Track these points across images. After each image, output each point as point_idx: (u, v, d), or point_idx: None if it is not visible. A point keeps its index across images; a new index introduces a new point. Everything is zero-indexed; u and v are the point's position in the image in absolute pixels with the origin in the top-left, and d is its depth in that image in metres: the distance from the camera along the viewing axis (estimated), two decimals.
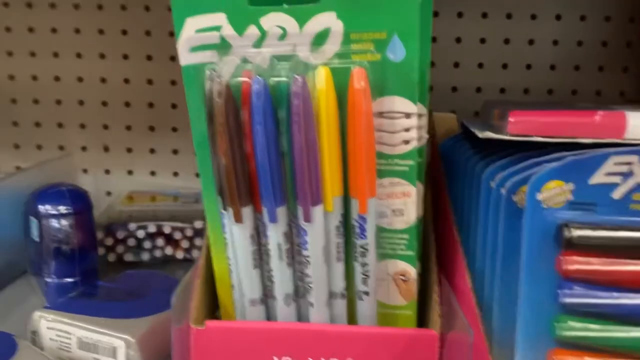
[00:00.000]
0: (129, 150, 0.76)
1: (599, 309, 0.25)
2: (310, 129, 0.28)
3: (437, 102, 0.70)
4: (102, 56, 0.74)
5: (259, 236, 0.31)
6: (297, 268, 0.32)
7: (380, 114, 0.29)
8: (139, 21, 0.72)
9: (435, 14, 0.70)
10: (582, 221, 0.26)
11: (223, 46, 0.29)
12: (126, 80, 0.74)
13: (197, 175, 0.74)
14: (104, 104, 0.75)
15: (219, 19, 0.28)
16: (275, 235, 0.30)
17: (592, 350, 0.26)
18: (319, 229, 0.30)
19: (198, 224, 0.60)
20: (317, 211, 0.29)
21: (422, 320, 0.35)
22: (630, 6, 0.70)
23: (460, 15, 0.71)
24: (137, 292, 0.43)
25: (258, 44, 0.29)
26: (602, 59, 0.72)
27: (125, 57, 0.74)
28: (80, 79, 0.75)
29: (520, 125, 0.29)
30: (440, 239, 0.36)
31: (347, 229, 0.31)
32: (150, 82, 0.74)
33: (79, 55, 0.74)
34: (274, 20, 0.28)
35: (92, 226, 0.50)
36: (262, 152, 0.28)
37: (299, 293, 0.32)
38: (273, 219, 0.30)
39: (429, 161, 0.46)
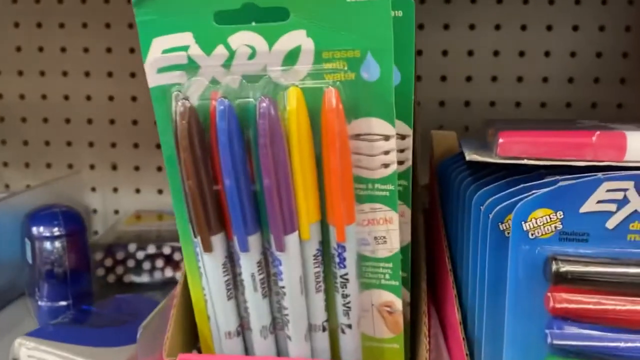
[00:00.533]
0: (137, 168, 0.76)
1: (592, 350, 0.23)
2: (280, 151, 0.26)
3: (424, 118, 0.68)
4: (110, 74, 0.74)
5: (232, 265, 0.30)
6: (274, 299, 0.30)
7: (357, 136, 0.27)
8: None
9: (421, 27, 0.68)
10: (573, 254, 0.23)
11: (191, 67, 0.28)
12: (133, 98, 0.74)
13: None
14: (112, 122, 0.75)
15: (186, 38, 0.27)
16: (248, 265, 0.29)
17: None
18: (295, 258, 0.28)
19: None
20: (292, 239, 0.28)
21: (413, 353, 0.32)
22: None
23: (446, 27, 0.69)
24: (123, 319, 0.42)
25: (227, 63, 0.27)
26: (622, 71, 0.69)
27: (133, 75, 0.74)
28: (88, 98, 0.75)
29: (510, 146, 0.27)
30: (432, 265, 0.34)
31: (327, 257, 0.29)
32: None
33: (87, 74, 0.74)
34: (243, 39, 0.27)
35: (86, 248, 0.49)
36: (229, 176, 0.26)
37: (277, 325, 0.31)
38: (244, 248, 0.28)
39: (428, 182, 0.44)
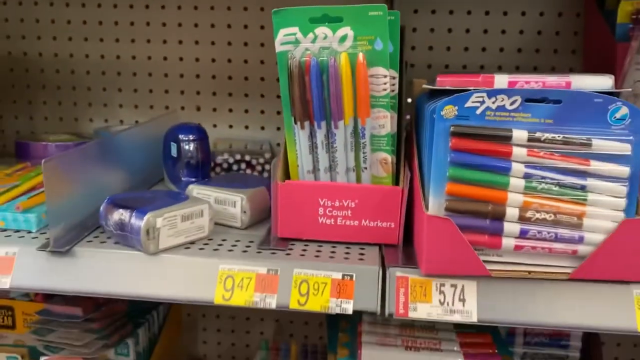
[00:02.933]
0: (214, 109, 1.09)
1: (464, 161, 0.56)
2: (337, 83, 0.59)
3: (417, 74, 1.00)
4: (197, 42, 1.06)
5: (312, 137, 0.63)
6: (331, 154, 0.63)
7: (372, 76, 0.60)
8: (224, 17, 1.04)
9: (415, 11, 1.00)
10: (461, 124, 0.56)
11: (296, 43, 0.61)
12: (213, 60, 1.06)
13: (262, 128, 1.06)
14: (197, 76, 1.08)
15: (295, 29, 0.60)
16: (320, 136, 0.62)
17: (465, 183, 0.56)
18: (341, 133, 0.62)
19: (267, 156, 0.92)
20: (340, 124, 0.61)
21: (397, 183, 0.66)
22: (578, 3, 0.97)
23: (433, 12, 1.00)
24: (238, 180, 0.75)
25: (313, 41, 0.60)
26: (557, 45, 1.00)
27: (213, 43, 1.05)
28: (181, 59, 1.07)
29: (441, 81, 0.60)
30: (412, 146, 0.68)
31: (356, 134, 0.63)
32: (229, 61, 1.06)
33: (180, 42, 1.06)
34: (321, 30, 0.60)
35: (209, 149, 0.83)
36: (316, 94, 0.59)
37: (332, 167, 0.64)
38: (319, 127, 0.61)
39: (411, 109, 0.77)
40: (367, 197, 0.63)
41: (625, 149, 0.55)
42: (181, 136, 0.81)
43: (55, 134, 0.96)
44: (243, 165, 0.92)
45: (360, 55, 0.59)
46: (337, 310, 0.58)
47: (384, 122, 0.62)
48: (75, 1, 1.06)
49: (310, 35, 0.60)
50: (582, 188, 0.56)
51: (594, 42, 0.91)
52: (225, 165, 0.92)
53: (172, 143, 0.82)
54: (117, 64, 1.08)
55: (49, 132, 1.10)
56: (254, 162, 0.92)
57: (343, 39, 0.60)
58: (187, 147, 0.81)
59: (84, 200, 0.68)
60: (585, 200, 0.56)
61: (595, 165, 0.56)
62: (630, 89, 0.56)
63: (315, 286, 0.59)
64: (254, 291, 0.59)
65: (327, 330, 0.84)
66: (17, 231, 0.66)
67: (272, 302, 0.59)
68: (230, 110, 1.09)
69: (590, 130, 0.56)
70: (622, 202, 0.56)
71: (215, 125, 1.10)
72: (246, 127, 1.09)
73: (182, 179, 0.82)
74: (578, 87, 0.57)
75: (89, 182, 0.70)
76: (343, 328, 0.79)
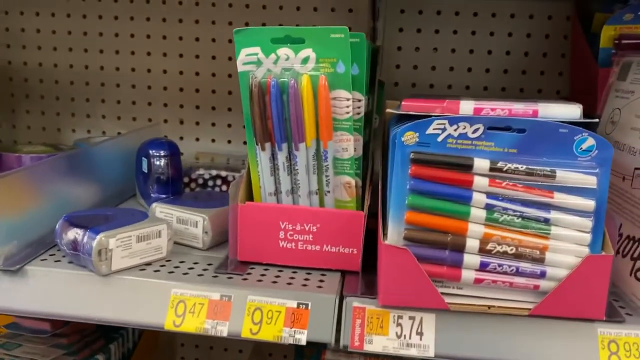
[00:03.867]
0: (197, 123, 1.08)
1: (424, 189, 0.54)
2: (297, 105, 0.58)
3: (400, 93, 0.98)
4: (181, 55, 1.05)
5: (273, 158, 0.61)
6: (292, 176, 0.62)
7: (334, 99, 0.59)
8: (208, 31, 1.03)
9: (400, 30, 0.98)
10: (421, 151, 0.54)
11: (258, 63, 0.59)
12: (196, 74, 1.06)
13: (245, 143, 1.05)
14: (181, 89, 1.07)
15: (257, 49, 0.59)
16: (281, 158, 0.60)
17: (425, 212, 0.54)
18: (303, 155, 0.60)
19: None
20: (302, 146, 0.59)
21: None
22: (564, 25, 0.96)
23: (419, 30, 0.99)
24: (205, 199, 0.74)
25: (275, 62, 0.59)
26: (544, 67, 0.98)
27: (197, 57, 1.05)
28: (165, 72, 1.06)
29: (406, 107, 0.58)
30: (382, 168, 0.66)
31: (318, 157, 0.61)
32: (213, 75, 1.05)
33: (164, 55, 1.06)
34: (283, 51, 0.58)
35: (180, 164, 0.81)
36: (275, 115, 0.58)
37: (294, 190, 0.62)
38: (280, 149, 0.60)
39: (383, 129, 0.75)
40: (328, 222, 0.62)
41: (590, 181, 0.53)
42: (152, 151, 0.80)
43: (32, 144, 0.95)
44: (219, 182, 0.91)
45: (322, 78, 0.58)
46: (290, 341, 0.56)
47: (347, 145, 0.61)
48: (61, 11, 1.05)
49: (273, 55, 0.59)
50: (546, 221, 0.54)
51: (579, 66, 0.89)
52: (200, 181, 0.90)
53: (143, 158, 0.81)
54: (101, 75, 1.08)
55: (31, 142, 1.09)
56: (230, 178, 0.91)
57: (305, 60, 0.58)
58: (157, 162, 0.80)
59: (46, 215, 0.67)
60: (549, 233, 0.54)
61: (560, 198, 0.54)
62: (597, 120, 0.54)
63: (269, 314, 0.57)
64: (206, 317, 0.57)
65: (294, 358, 0.82)
66: None
67: (223, 330, 0.57)
68: (213, 124, 1.08)
69: (556, 161, 0.54)
70: (587, 236, 0.54)
71: (197, 139, 1.09)
72: (229, 142, 1.08)
73: (152, 195, 0.80)
74: (545, 115, 0.55)
75: (52, 197, 0.68)
76: (307, 355, 0.77)
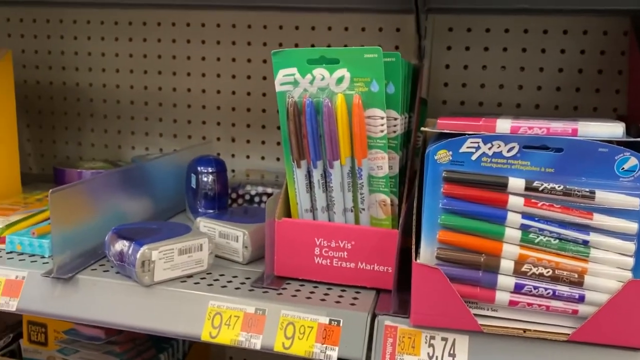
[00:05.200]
0: (248, 141, 1.11)
1: (457, 208, 0.53)
2: (332, 124, 0.59)
3: (447, 111, 0.97)
4: (234, 77, 1.09)
5: (309, 176, 0.63)
6: (327, 193, 0.63)
7: (368, 117, 0.59)
8: (259, 52, 1.06)
9: (449, 48, 0.98)
10: (454, 170, 0.53)
11: (295, 83, 0.61)
12: (248, 93, 1.09)
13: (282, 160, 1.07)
14: (233, 109, 1.10)
15: (294, 70, 0.60)
16: (316, 175, 0.62)
17: (458, 231, 0.54)
18: (337, 173, 0.61)
19: None
20: (336, 164, 0.60)
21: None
22: (622, 41, 0.92)
23: (467, 48, 0.98)
24: (248, 214, 0.76)
25: (311, 82, 0.60)
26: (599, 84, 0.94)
27: (249, 77, 1.08)
28: (218, 92, 1.11)
29: (442, 125, 0.58)
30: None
31: (353, 174, 0.62)
32: (264, 94, 1.08)
33: (218, 76, 1.10)
34: (319, 71, 0.60)
35: (226, 181, 0.84)
36: (310, 134, 0.59)
37: (329, 207, 0.63)
38: (315, 167, 0.61)
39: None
40: (363, 239, 0.62)
41: (633, 203, 0.51)
42: (200, 168, 0.83)
43: (94, 161, 1.01)
44: (265, 198, 0.93)
45: (356, 97, 0.58)
46: (322, 357, 0.56)
47: (382, 163, 0.61)
48: (123, 36, 1.12)
49: (309, 76, 0.60)
50: (585, 243, 0.52)
51: (638, 82, 0.85)
52: (247, 197, 0.93)
53: (192, 174, 0.84)
54: (159, 95, 1.13)
55: (94, 158, 1.16)
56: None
57: (340, 80, 0.59)
58: (204, 179, 0.83)
59: (99, 227, 0.71)
60: (588, 256, 0.52)
61: (599, 220, 0.52)
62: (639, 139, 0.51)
63: (302, 329, 0.58)
64: (240, 330, 0.59)
65: None
66: (32, 255, 0.70)
67: (257, 343, 0.58)
68: (263, 142, 1.11)
69: (595, 181, 0.52)
70: (630, 260, 0.51)
71: (248, 157, 1.12)
72: (277, 159, 1.10)
73: (199, 209, 0.83)
74: (585, 134, 0.54)
75: (107, 210, 0.72)
76: None
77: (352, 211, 0.63)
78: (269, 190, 0.93)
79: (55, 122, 1.19)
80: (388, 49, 0.87)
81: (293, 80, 0.61)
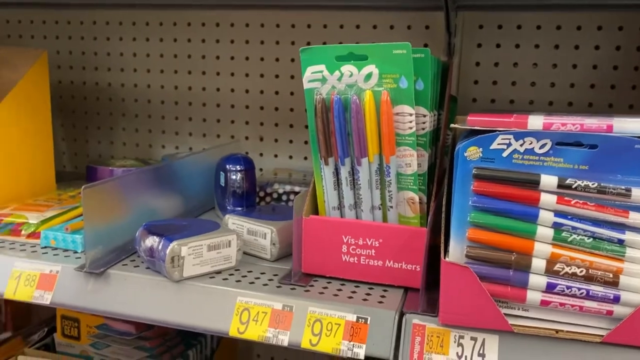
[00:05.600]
0: (276, 140, 1.11)
1: (488, 206, 0.52)
2: (360, 121, 0.58)
3: (478, 109, 0.96)
4: (262, 76, 1.10)
5: (336, 173, 0.62)
6: (355, 191, 0.62)
7: (397, 114, 0.59)
8: (287, 52, 1.07)
9: (479, 45, 0.97)
10: (484, 167, 0.53)
11: (323, 80, 0.61)
12: (276, 92, 1.09)
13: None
14: (261, 108, 1.11)
15: (322, 67, 0.60)
16: (344, 173, 0.61)
17: (489, 229, 0.53)
18: (365, 170, 0.60)
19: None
20: (364, 161, 0.60)
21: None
22: None
23: (498, 46, 0.96)
24: (275, 212, 0.76)
25: (339, 79, 0.60)
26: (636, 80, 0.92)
27: (277, 76, 1.09)
28: (247, 91, 1.11)
29: (472, 122, 0.57)
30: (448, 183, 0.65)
31: (381, 172, 0.61)
32: (292, 93, 1.08)
33: (247, 75, 1.11)
34: (347, 68, 0.59)
35: (254, 179, 0.85)
36: (338, 131, 0.59)
37: (357, 204, 0.63)
38: (342, 164, 0.61)
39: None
40: (391, 237, 0.61)
41: None
42: (228, 166, 0.84)
43: (125, 159, 1.03)
44: (293, 196, 0.93)
45: (384, 93, 0.58)
46: (349, 354, 0.56)
47: (410, 160, 0.61)
48: (154, 36, 1.14)
49: (337, 73, 0.60)
50: (620, 242, 0.51)
51: None
52: (275, 195, 0.93)
53: (220, 172, 0.85)
54: (189, 94, 1.15)
55: (125, 157, 1.18)
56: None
57: (368, 76, 0.59)
58: (233, 176, 0.83)
59: (130, 224, 0.72)
60: (623, 255, 0.50)
61: (636, 218, 0.50)
62: None
63: (329, 326, 0.58)
64: (268, 326, 0.59)
65: None
66: (66, 250, 0.71)
67: (284, 339, 0.58)
68: (291, 142, 1.11)
69: (631, 179, 0.51)
70: None
71: (276, 155, 1.12)
72: (305, 158, 1.10)
73: (228, 207, 0.84)
74: (621, 130, 0.52)
75: (137, 207, 0.74)
76: None
77: (379, 209, 0.63)
78: (297, 188, 0.94)
79: (88, 122, 1.22)
80: (417, 47, 0.86)
81: (321, 77, 0.61)
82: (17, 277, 0.66)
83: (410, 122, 0.59)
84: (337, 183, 0.63)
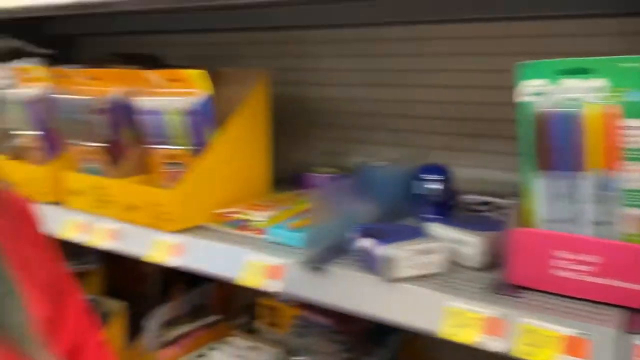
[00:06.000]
0: (468, 151, 1.12)
1: None
2: (582, 134, 0.58)
3: None
4: (453, 87, 1.11)
5: (552, 186, 0.63)
6: (572, 205, 0.62)
7: (624, 128, 0.58)
8: (479, 63, 1.07)
9: None
10: None
11: (542, 93, 0.62)
12: (472, 104, 1.10)
13: (513, 171, 1.05)
14: (454, 119, 1.13)
15: (541, 81, 0.61)
16: (561, 186, 0.61)
17: None
18: (585, 184, 0.60)
19: (513, 200, 0.92)
20: (585, 175, 0.60)
21: None
22: None
23: None
24: (478, 222, 0.78)
25: (560, 93, 0.61)
26: None
27: (473, 88, 1.10)
28: (443, 103, 1.13)
29: None
30: None
31: (604, 187, 0.60)
32: (483, 104, 1.09)
33: (438, 87, 1.13)
34: (569, 81, 0.60)
35: (451, 188, 0.87)
36: (559, 144, 0.60)
37: (572, 219, 0.62)
38: (561, 177, 0.61)
39: None
40: (612, 254, 0.60)
41: None
42: (426, 175, 0.87)
43: (323, 166, 1.11)
44: (486, 207, 0.93)
45: (611, 107, 0.57)
46: None
47: (638, 176, 0.59)
48: (356, 52, 1.22)
49: (558, 86, 0.61)
50: None
51: None
52: (470, 207, 0.95)
53: (418, 181, 0.89)
54: (384, 106, 1.20)
55: (322, 164, 1.28)
56: (497, 204, 0.93)
57: (592, 90, 0.59)
58: (431, 186, 0.87)
59: (342, 225, 0.79)
60: None
61: None
62: None
63: (543, 339, 0.58)
64: (478, 332, 0.61)
65: None
66: (288, 246, 0.80)
67: (496, 346, 0.60)
68: (484, 152, 1.11)
69: None
70: None
71: (467, 166, 1.13)
72: (498, 169, 1.10)
73: (425, 215, 0.87)
74: None
75: (345, 210, 0.80)
76: None
77: (599, 224, 0.61)
78: (491, 199, 0.94)
79: (294, 132, 1.34)
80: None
81: (540, 91, 0.62)
82: (249, 266, 0.77)
83: (638, 136, 0.58)
84: (553, 196, 0.63)
